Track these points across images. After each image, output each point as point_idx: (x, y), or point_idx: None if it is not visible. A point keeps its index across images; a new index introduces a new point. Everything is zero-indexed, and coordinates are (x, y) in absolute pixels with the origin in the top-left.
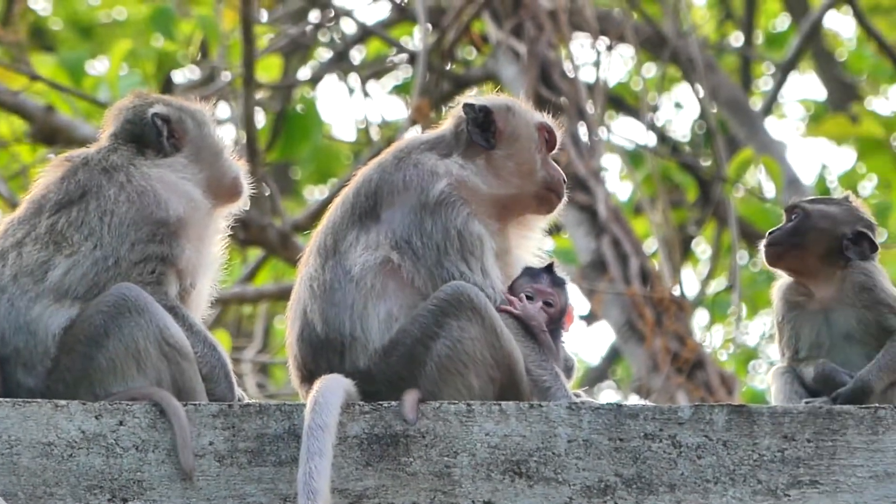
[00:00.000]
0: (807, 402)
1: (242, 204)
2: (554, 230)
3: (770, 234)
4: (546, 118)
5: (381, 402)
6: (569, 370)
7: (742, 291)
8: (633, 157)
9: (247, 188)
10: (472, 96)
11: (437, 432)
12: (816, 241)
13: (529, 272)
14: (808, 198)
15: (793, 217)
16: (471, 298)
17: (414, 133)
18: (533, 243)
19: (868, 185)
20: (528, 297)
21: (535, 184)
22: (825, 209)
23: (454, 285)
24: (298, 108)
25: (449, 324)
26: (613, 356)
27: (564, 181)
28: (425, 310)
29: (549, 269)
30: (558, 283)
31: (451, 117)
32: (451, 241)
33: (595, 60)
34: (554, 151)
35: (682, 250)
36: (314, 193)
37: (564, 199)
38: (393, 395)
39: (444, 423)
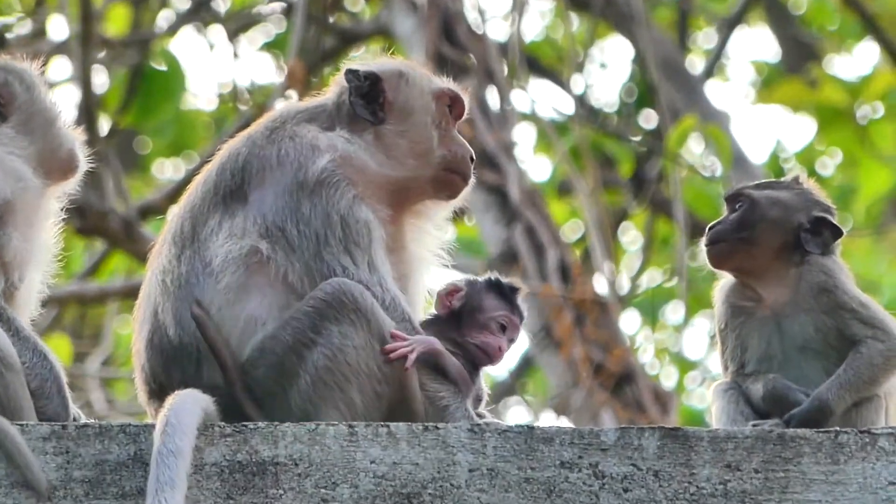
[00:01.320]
0: (754, 425)
1: (76, 181)
2: (457, 215)
3: (711, 229)
4: (448, 84)
5: (245, 423)
6: (477, 401)
7: (684, 290)
8: (554, 129)
9: (83, 162)
10: (356, 60)
11: (312, 459)
12: (768, 235)
13: (498, 291)
14: (753, 183)
15: (737, 207)
16: (355, 299)
17: (290, 101)
18: (433, 237)
19: (829, 163)
20: (501, 326)
21: (432, 165)
22: (774, 195)
23: (335, 283)
24: (157, 65)
25: (328, 329)
26: (525, 367)
27: (472, 158)
28: (300, 312)
29: (517, 290)
30: (521, 316)
31: (333, 84)
32: (332, 228)
33: (507, 12)
34: (460, 122)
35: (611, 240)
36: (166, 170)
37: (471, 180)
38: (260, 414)
39: (321, 448)
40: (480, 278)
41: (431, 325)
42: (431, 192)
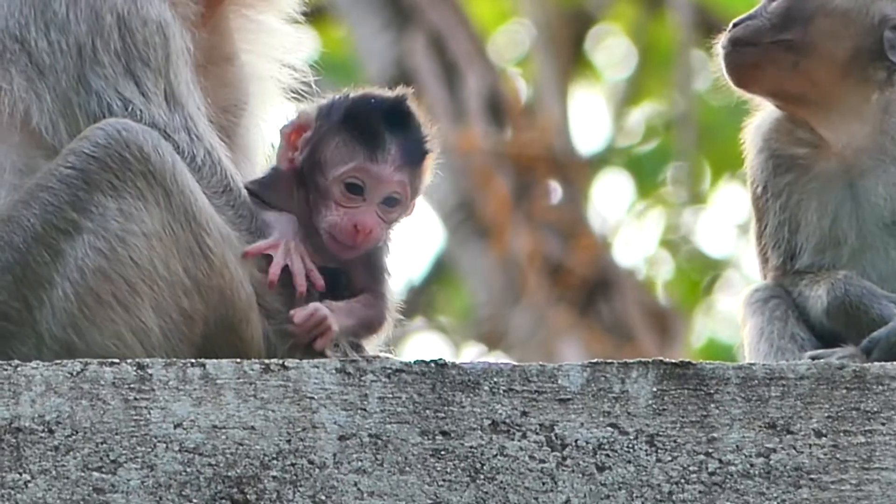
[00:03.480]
0: (814, 357)
1: None
2: (318, 15)
3: (736, 25)
4: None
5: None
6: (365, 329)
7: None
8: None
9: None
10: None
11: (77, 422)
12: (830, 37)
13: (356, 118)
14: None
15: None
16: (145, 154)
17: None
18: (278, 37)
19: None
20: (351, 188)
21: None
22: None
23: (111, 127)
24: None
25: (100, 205)
26: (435, 271)
27: None
28: (53, 177)
29: (398, 111)
30: (416, 153)
31: None
32: (104, 36)
33: None
34: None
35: (571, 53)
36: None
37: None
38: None
39: (91, 402)
40: (339, 97)
41: (269, 192)
42: None
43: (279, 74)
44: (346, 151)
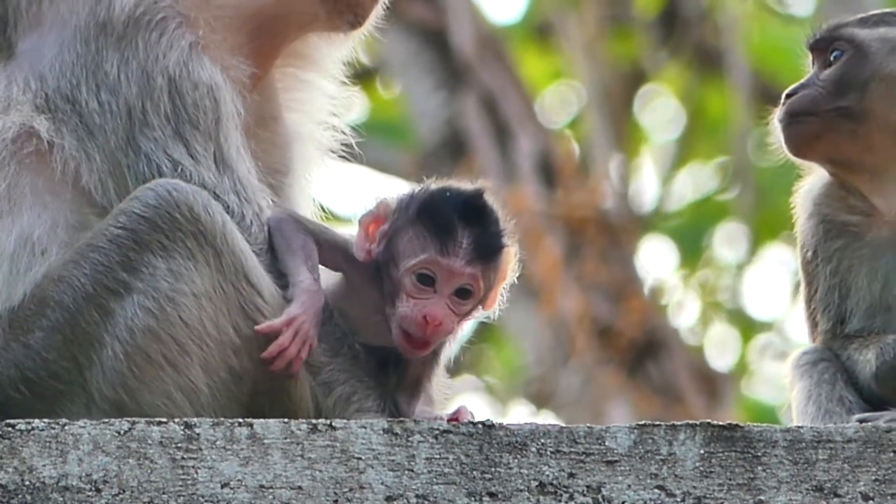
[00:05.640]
0: (862, 421)
1: None
2: (370, 76)
3: (790, 95)
4: None
5: (12, 423)
6: (415, 397)
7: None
8: None
9: None
10: None
11: (124, 480)
12: (886, 103)
13: (432, 211)
14: (856, 17)
15: (833, 58)
16: (195, 214)
17: None
18: (321, 96)
19: None
20: (422, 280)
21: None
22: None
23: (161, 188)
24: None
25: (150, 266)
26: (482, 330)
27: None
28: (103, 236)
29: (474, 204)
30: (489, 246)
31: None
32: (155, 98)
33: None
34: None
35: (622, 113)
36: None
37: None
38: (33, 406)
39: (139, 462)
40: (418, 189)
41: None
42: (322, 16)
43: (325, 135)
44: (418, 244)
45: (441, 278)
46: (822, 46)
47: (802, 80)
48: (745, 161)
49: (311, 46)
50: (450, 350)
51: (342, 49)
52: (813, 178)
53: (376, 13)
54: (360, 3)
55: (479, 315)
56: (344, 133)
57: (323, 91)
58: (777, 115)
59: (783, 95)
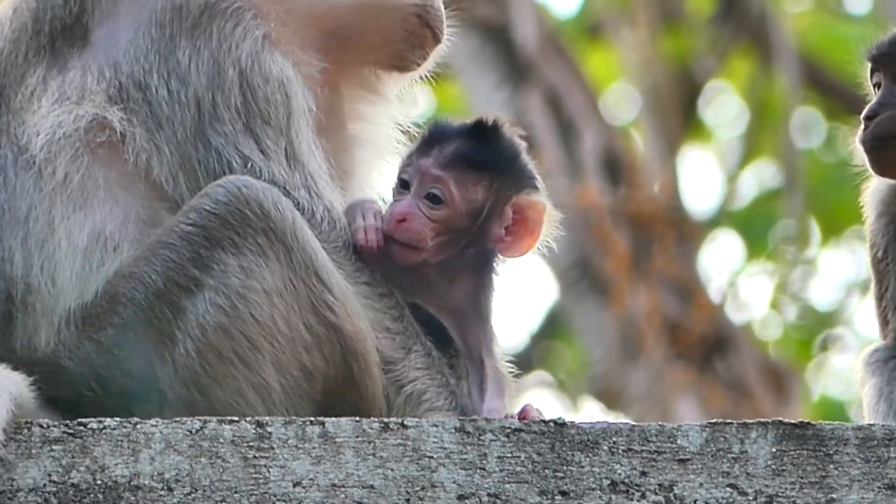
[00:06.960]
0: None
1: None
2: (433, 76)
3: (869, 118)
4: None
5: (84, 422)
6: (497, 388)
7: (807, 195)
8: None
9: None
10: None
11: (196, 479)
12: None
13: (433, 133)
14: None
15: None
16: (265, 211)
17: None
18: (386, 110)
19: None
20: (402, 185)
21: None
22: None
23: (232, 184)
24: None
25: (221, 262)
26: (550, 327)
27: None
28: (174, 233)
29: (476, 123)
30: (467, 159)
31: None
32: (224, 90)
33: None
34: None
35: (684, 115)
36: None
37: (442, 42)
38: (105, 404)
39: (210, 460)
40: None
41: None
42: (385, 49)
43: (393, 134)
44: (407, 155)
45: (413, 180)
46: (888, 61)
47: (878, 99)
48: (796, 159)
49: (369, 72)
50: (490, 305)
51: (397, 81)
52: (880, 180)
53: (433, 55)
54: (421, 41)
55: (502, 259)
56: (411, 131)
57: (388, 104)
58: (860, 136)
59: (862, 117)
